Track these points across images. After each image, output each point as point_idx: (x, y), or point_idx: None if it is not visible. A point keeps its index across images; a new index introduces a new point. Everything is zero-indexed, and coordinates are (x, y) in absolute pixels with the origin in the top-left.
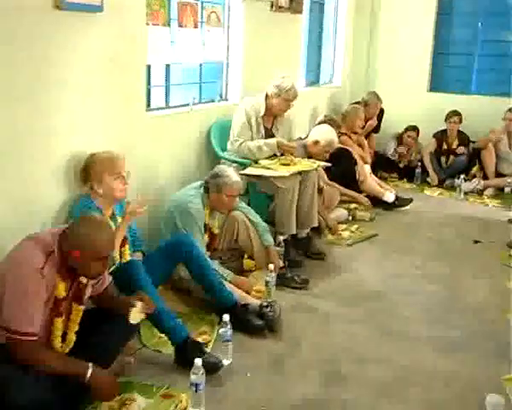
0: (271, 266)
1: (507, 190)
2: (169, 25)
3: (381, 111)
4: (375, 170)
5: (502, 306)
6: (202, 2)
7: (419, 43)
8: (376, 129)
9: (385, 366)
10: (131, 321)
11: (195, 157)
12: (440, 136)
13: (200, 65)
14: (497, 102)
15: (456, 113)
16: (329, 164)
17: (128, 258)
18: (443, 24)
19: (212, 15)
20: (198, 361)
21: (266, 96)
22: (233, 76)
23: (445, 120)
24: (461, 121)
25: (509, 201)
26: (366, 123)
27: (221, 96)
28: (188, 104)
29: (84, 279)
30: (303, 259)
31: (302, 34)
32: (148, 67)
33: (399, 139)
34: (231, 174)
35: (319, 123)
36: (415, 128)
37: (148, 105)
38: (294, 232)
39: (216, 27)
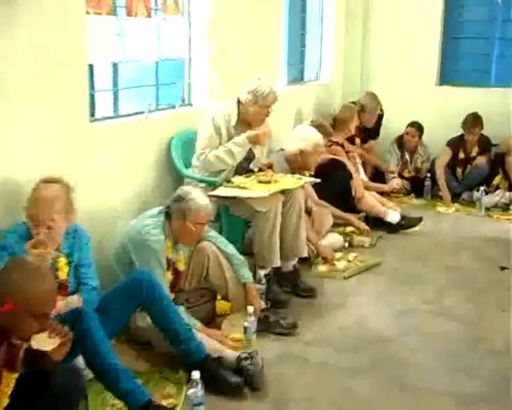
0: (250, 309)
1: None
2: (115, 13)
3: (380, 115)
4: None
5: None
6: None
7: (424, 27)
8: (374, 134)
9: None
10: (33, 346)
11: (154, 177)
12: (457, 143)
13: (156, 63)
14: None
15: (476, 120)
16: (319, 180)
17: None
18: (453, 2)
19: (169, 1)
20: None
21: (238, 101)
22: (198, 76)
23: (463, 128)
24: (482, 128)
25: None
26: (365, 132)
27: (183, 101)
28: (142, 112)
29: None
30: (289, 297)
31: (282, 21)
32: (91, 68)
33: (400, 142)
34: (198, 197)
35: None
36: (416, 124)
37: (93, 114)
38: (278, 265)
39: (174, 15)
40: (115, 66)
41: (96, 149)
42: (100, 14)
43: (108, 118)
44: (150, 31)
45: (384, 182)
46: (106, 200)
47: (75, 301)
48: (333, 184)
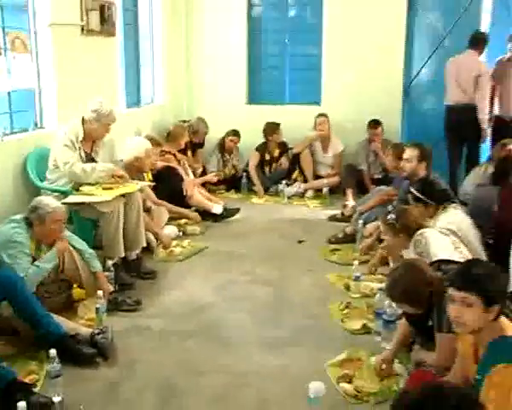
0: (100, 293)
1: (325, 190)
2: None
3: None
4: (204, 184)
5: (324, 298)
6: (4, 28)
7: (235, 59)
8: (201, 146)
9: (221, 374)
10: None
11: (12, 190)
12: (263, 148)
13: (9, 93)
14: (308, 109)
15: (275, 127)
16: (153, 183)
17: None
18: (254, 42)
19: (17, 41)
20: (21, 404)
21: (83, 120)
22: (47, 103)
23: (264, 135)
24: (279, 134)
25: (327, 201)
26: (195, 146)
27: (36, 125)
28: None
29: None
30: (135, 280)
31: (118, 56)
32: None
33: (222, 145)
34: (50, 202)
35: None
36: (234, 132)
37: None
38: (123, 255)
39: (23, 53)
40: None
41: None
42: None
43: None
44: (1, 66)
45: None
46: None
47: None
48: (167, 186)
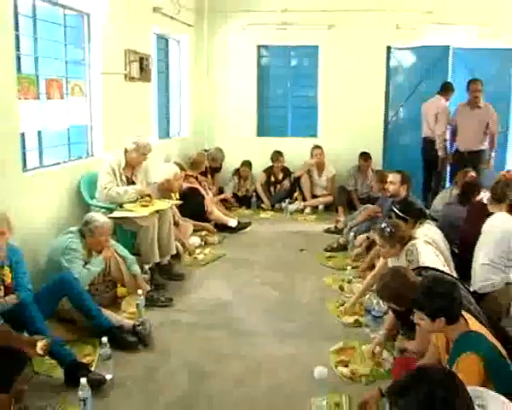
0: (140, 291)
1: (320, 207)
2: (38, 98)
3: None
4: (222, 201)
5: (323, 298)
6: (67, 78)
7: (247, 100)
8: (218, 170)
9: (240, 360)
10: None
11: (69, 206)
12: (269, 171)
13: (68, 129)
14: (307, 141)
15: (277, 155)
16: (181, 202)
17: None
18: (263, 85)
19: (76, 88)
20: (83, 380)
21: (126, 150)
22: (96, 136)
23: (271, 160)
24: (283, 160)
25: (322, 216)
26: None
27: (88, 153)
28: (59, 163)
29: None
30: (166, 282)
31: (152, 98)
32: (23, 134)
33: (238, 173)
34: (100, 218)
35: None
36: (248, 163)
37: (25, 166)
38: (158, 260)
39: (79, 97)
40: (39, 132)
41: (27, 190)
42: (27, 98)
43: (36, 168)
44: (63, 108)
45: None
46: (34, 225)
47: (13, 298)
48: (191, 204)
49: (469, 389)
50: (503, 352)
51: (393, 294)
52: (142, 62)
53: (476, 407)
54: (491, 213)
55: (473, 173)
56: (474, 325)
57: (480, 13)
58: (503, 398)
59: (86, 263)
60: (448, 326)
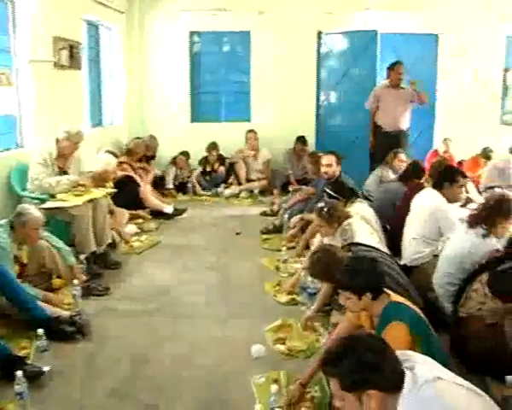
0: (76, 282)
1: (256, 191)
2: None
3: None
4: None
5: (260, 278)
6: None
7: (180, 86)
8: (153, 158)
9: (180, 342)
10: None
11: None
12: (205, 160)
13: None
14: (241, 126)
15: (212, 145)
16: (115, 190)
17: None
18: (196, 71)
19: (2, 77)
20: (19, 373)
21: (57, 140)
22: (26, 126)
23: (207, 151)
24: (218, 150)
25: (258, 199)
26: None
27: (17, 144)
28: None
29: None
30: (103, 271)
31: (83, 86)
32: None
33: (175, 162)
34: (32, 211)
35: None
36: (185, 153)
37: None
38: (93, 250)
39: (6, 87)
40: None
41: None
42: None
43: None
44: None
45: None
46: None
47: None
48: (126, 192)
49: (397, 352)
50: (425, 319)
51: (322, 271)
52: (72, 50)
53: (405, 368)
54: None
55: (403, 156)
56: (396, 297)
57: None
58: (429, 359)
59: (16, 257)
60: (373, 301)
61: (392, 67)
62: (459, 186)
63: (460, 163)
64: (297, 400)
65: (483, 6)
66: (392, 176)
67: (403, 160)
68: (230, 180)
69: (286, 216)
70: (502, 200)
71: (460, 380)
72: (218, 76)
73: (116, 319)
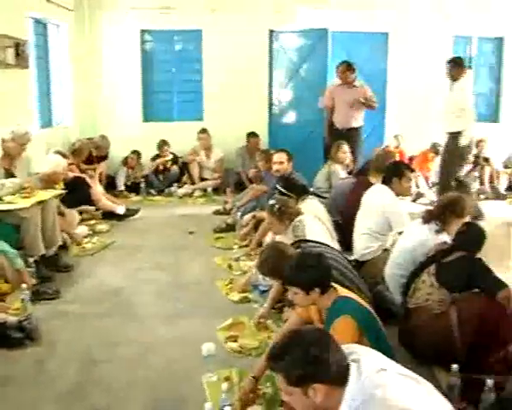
0: (24, 286)
1: (209, 190)
2: None
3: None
4: (108, 190)
5: (212, 277)
6: None
7: (131, 86)
8: (104, 158)
9: (132, 345)
10: None
11: None
12: (156, 158)
13: None
14: (193, 125)
15: (162, 143)
16: (65, 191)
17: None
18: (147, 70)
19: None
20: None
21: (2, 141)
22: None
23: (158, 149)
24: (169, 148)
25: (211, 198)
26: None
27: None
28: None
29: None
30: (53, 274)
31: (31, 85)
32: None
33: (126, 162)
34: None
35: None
36: (136, 152)
37: None
38: (43, 252)
39: None
40: None
41: None
42: None
43: None
44: None
45: None
46: None
47: None
48: (77, 193)
49: (343, 346)
50: (373, 313)
51: (271, 268)
52: (18, 48)
53: (350, 361)
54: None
55: (345, 147)
56: (344, 291)
57: None
58: (374, 351)
59: None
60: (321, 296)
61: (337, 68)
62: (407, 181)
63: (411, 159)
64: (249, 393)
65: (429, 5)
66: (340, 170)
67: (346, 151)
68: (184, 179)
69: (239, 214)
70: (457, 199)
71: (405, 371)
72: (170, 75)
73: (66, 323)
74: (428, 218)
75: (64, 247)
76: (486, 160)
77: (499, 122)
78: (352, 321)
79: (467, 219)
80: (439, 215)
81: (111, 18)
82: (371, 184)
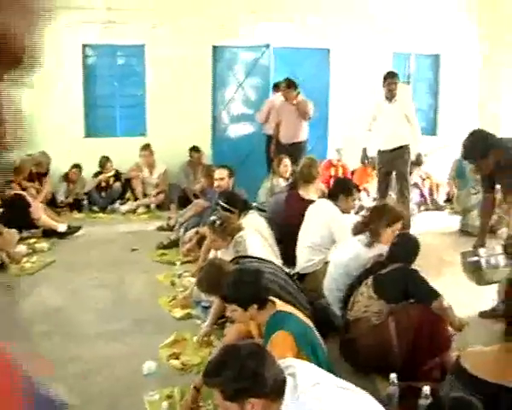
0: None
1: (152, 206)
2: None
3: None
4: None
5: (155, 294)
6: None
7: (73, 100)
8: (46, 174)
9: (73, 364)
10: None
11: None
12: (98, 176)
13: None
14: (136, 141)
15: (106, 160)
16: (2, 209)
17: None
18: (89, 85)
19: None
20: None
21: None
22: None
23: (100, 166)
24: (111, 165)
25: (155, 214)
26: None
27: None
28: None
29: None
30: None
31: None
32: None
33: (67, 177)
34: None
35: None
36: (77, 166)
37: None
38: None
39: None
40: None
41: None
42: None
43: None
44: None
45: None
46: None
47: None
48: (15, 212)
49: (280, 361)
50: (312, 327)
51: (210, 285)
52: None
53: (287, 375)
54: (306, 199)
55: (286, 160)
56: (283, 305)
57: (299, 13)
58: (311, 365)
59: None
60: (259, 311)
61: (280, 85)
62: (353, 199)
63: (353, 173)
64: (191, 404)
65: (369, 23)
66: (282, 183)
67: (287, 164)
68: (127, 196)
69: (182, 230)
70: (383, 209)
71: (343, 383)
72: (112, 90)
73: None
74: (358, 229)
75: (2, 267)
76: (426, 173)
77: (437, 135)
78: (288, 336)
79: (398, 225)
80: (367, 225)
81: (52, 31)
82: (301, 198)
